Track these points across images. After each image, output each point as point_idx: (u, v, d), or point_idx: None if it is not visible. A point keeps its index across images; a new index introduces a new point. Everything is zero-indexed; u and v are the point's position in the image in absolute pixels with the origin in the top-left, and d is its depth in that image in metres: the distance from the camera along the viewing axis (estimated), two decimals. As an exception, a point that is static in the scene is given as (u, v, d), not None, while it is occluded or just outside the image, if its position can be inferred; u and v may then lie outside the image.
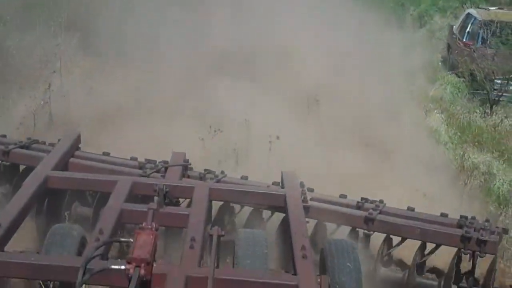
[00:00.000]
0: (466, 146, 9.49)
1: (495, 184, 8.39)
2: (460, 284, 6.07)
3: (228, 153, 8.11)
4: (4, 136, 7.10)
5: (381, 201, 6.29)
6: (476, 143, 9.59)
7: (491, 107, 11.97)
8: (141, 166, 6.49)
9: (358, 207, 6.25)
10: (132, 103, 9.35)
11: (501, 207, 8.04)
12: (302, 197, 6.00)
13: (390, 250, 6.29)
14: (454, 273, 6.04)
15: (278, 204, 6.01)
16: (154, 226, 4.62)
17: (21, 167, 6.79)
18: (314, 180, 6.52)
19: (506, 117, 11.28)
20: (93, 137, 8.01)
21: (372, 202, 6.30)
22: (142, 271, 4.17)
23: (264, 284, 4.54)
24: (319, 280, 4.61)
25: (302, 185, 6.25)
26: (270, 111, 8.88)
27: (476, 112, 11.62)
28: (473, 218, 6.14)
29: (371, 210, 6.09)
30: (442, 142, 9.61)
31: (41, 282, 4.95)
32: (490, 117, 11.47)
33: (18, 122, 8.68)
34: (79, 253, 4.95)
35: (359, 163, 8.18)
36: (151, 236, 4.45)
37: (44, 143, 6.94)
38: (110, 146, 7.30)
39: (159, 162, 6.47)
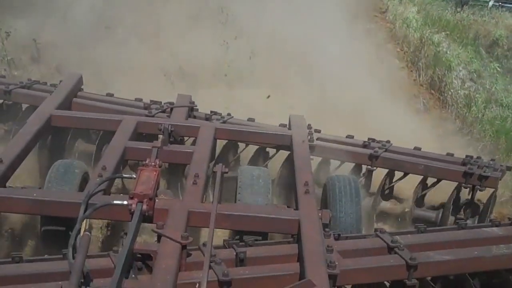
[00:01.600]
0: (428, 29, 11.45)
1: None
2: (458, 215, 6.12)
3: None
4: (3, 76, 7.04)
5: (388, 141, 6.24)
6: (443, 31, 11.64)
7: (462, 6, 13.89)
8: (146, 107, 6.42)
9: (365, 146, 6.23)
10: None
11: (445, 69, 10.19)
12: (309, 137, 5.95)
13: (392, 184, 6.32)
14: (452, 205, 6.09)
15: (284, 143, 5.96)
16: (157, 163, 4.62)
17: (23, 107, 6.73)
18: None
19: (472, 14, 13.33)
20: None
21: (379, 141, 6.25)
22: (145, 206, 4.19)
23: (266, 219, 4.52)
24: (320, 214, 4.59)
25: (309, 126, 6.19)
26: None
27: (448, 10, 13.41)
28: (479, 157, 6.14)
29: (376, 148, 6.08)
30: (411, 27, 11.64)
31: None
32: (459, 14, 13.36)
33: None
34: (81, 189, 4.94)
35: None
36: (154, 173, 4.46)
37: (45, 83, 6.87)
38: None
39: (164, 103, 6.39)
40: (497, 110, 9.39)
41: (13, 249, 5.19)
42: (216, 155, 6.15)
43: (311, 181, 5.00)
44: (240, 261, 4.11)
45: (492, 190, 6.00)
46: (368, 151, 6.09)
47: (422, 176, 6.15)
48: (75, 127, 6.13)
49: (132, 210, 4.17)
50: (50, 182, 4.96)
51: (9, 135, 6.27)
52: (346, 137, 6.41)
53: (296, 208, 4.73)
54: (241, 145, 6.35)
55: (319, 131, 6.32)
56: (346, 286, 4.31)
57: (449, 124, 9.47)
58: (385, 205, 6.30)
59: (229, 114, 6.45)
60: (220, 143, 6.20)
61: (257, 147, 6.29)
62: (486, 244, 4.61)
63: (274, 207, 4.82)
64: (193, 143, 5.97)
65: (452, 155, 6.30)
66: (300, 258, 4.14)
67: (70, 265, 3.75)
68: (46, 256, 3.99)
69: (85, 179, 5.09)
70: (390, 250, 4.40)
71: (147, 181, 4.37)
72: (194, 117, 6.38)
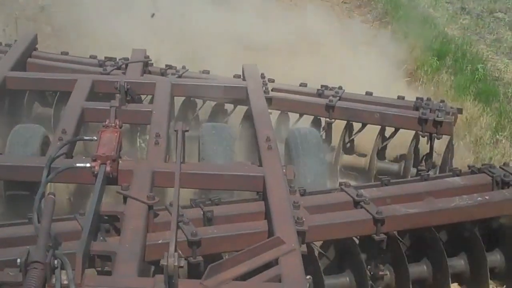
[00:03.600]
0: None
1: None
2: (419, 167, 6.13)
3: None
4: None
5: (340, 87, 6.19)
6: None
7: None
8: (100, 64, 6.26)
9: (319, 94, 6.15)
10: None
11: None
12: (264, 88, 5.89)
13: (352, 137, 6.30)
14: (413, 156, 6.09)
15: (241, 97, 5.88)
16: (117, 123, 4.52)
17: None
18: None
19: None
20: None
21: (332, 89, 6.19)
22: (108, 168, 4.10)
23: (231, 176, 4.47)
24: (284, 170, 4.58)
25: (262, 76, 6.12)
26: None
27: None
28: (428, 99, 6.10)
29: (331, 97, 5.99)
30: None
31: None
32: None
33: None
34: (43, 153, 4.84)
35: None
36: (115, 134, 4.36)
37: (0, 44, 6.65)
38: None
39: (119, 59, 6.24)
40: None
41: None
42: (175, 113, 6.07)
43: (273, 135, 4.95)
44: (208, 220, 4.08)
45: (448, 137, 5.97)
46: (323, 101, 6.00)
47: (379, 127, 6.13)
48: (31, 88, 5.96)
49: (96, 172, 4.08)
50: (11, 147, 4.84)
51: None
52: (300, 85, 6.34)
53: (260, 165, 4.70)
54: (199, 102, 6.28)
55: (272, 81, 6.25)
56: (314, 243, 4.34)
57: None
58: (347, 159, 6.30)
59: (183, 67, 6.33)
60: (177, 100, 6.12)
61: (215, 103, 6.22)
62: (450, 196, 4.61)
63: (238, 164, 4.79)
64: (151, 101, 5.88)
65: (403, 98, 6.25)
66: (267, 216, 4.11)
67: (36, 229, 3.67)
68: (10, 222, 3.90)
69: (45, 143, 4.97)
70: (356, 204, 4.39)
71: (109, 143, 4.26)
72: (149, 72, 6.26)
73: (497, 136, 7.54)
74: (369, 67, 8.45)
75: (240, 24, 9.23)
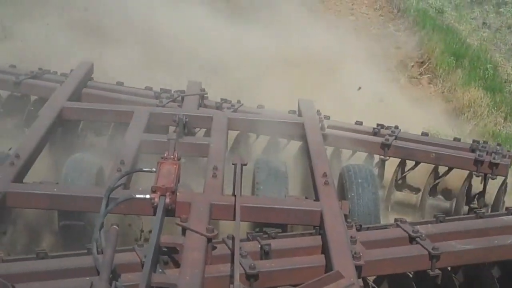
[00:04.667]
0: None
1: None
2: (471, 205, 6.13)
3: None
4: (14, 66, 6.92)
5: (396, 127, 6.23)
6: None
7: None
8: (156, 96, 6.35)
9: (375, 133, 6.21)
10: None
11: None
12: (320, 124, 5.90)
13: (404, 174, 6.32)
14: (465, 195, 6.10)
15: (296, 133, 5.91)
16: (176, 156, 4.56)
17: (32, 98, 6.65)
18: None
19: None
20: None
21: (388, 128, 6.25)
22: (167, 200, 4.13)
23: (289, 211, 4.48)
24: (340, 205, 4.57)
25: (319, 113, 6.14)
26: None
27: None
28: (485, 142, 6.15)
29: (387, 136, 6.06)
30: None
31: None
32: None
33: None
34: (97, 184, 4.90)
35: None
36: (174, 166, 4.40)
37: (56, 73, 6.78)
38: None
39: (174, 92, 6.32)
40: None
41: (29, 245, 5.13)
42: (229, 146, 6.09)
43: (329, 171, 4.96)
44: (265, 254, 4.07)
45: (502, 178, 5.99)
46: (379, 140, 6.06)
47: (433, 165, 6.15)
48: (87, 119, 6.05)
49: (155, 204, 4.11)
50: (66, 177, 4.90)
51: (18, 129, 6.21)
52: (355, 123, 6.38)
53: (316, 199, 4.69)
54: (252, 135, 6.30)
55: (328, 118, 6.28)
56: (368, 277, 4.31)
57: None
58: (399, 195, 6.29)
59: (239, 102, 6.40)
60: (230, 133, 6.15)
61: (269, 137, 6.24)
62: (506, 233, 4.58)
63: (295, 199, 4.78)
64: (206, 134, 5.93)
65: (459, 140, 6.32)
66: (324, 250, 4.11)
67: (95, 260, 3.71)
68: (70, 252, 3.94)
69: (100, 173, 5.03)
70: (412, 240, 4.36)
71: (168, 174, 4.31)
72: (205, 105, 6.33)
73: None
74: (397, 65, 10.50)
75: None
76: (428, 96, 9.92)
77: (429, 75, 10.46)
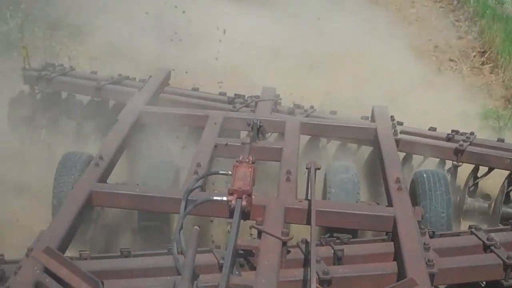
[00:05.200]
0: None
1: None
2: None
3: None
4: (95, 72, 7.21)
5: (471, 133, 6.18)
6: None
7: None
8: (230, 101, 6.50)
9: (448, 139, 6.16)
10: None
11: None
12: (393, 130, 5.92)
13: (477, 180, 6.23)
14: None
15: (368, 138, 5.94)
16: (251, 159, 4.68)
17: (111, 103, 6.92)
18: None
19: None
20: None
21: (463, 134, 6.19)
22: (244, 202, 4.25)
23: (362, 216, 4.52)
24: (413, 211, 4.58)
25: (392, 118, 6.16)
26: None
27: None
28: None
29: (461, 142, 6.01)
30: None
31: None
32: None
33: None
34: (175, 185, 5.07)
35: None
36: (249, 169, 4.51)
37: (134, 79, 7.03)
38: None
39: (248, 97, 6.47)
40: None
41: (110, 243, 5.36)
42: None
43: (402, 177, 4.98)
44: (338, 259, 4.13)
45: None
46: (453, 145, 6.01)
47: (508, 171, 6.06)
48: (164, 123, 6.24)
49: (232, 206, 4.24)
50: (146, 179, 5.10)
51: (98, 132, 6.46)
52: (429, 129, 6.35)
53: (389, 205, 4.72)
54: (323, 140, 6.37)
55: (401, 124, 6.29)
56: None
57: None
58: (471, 202, 6.22)
59: (311, 107, 6.47)
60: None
61: (340, 142, 6.30)
62: None
63: (367, 204, 4.83)
64: (278, 139, 6.04)
65: None
66: (397, 257, 4.13)
67: (175, 260, 3.87)
68: (151, 251, 4.11)
69: (177, 176, 5.20)
70: (486, 248, 4.33)
71: (244, 177, 4.43)
72: (277, 110, 6.43)
73: None
74: (459, 55, 10.93)
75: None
76: (489, 84, 10.05)
77: (490, 65, 10.73)
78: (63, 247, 4.06)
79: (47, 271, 3.70)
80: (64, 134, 6.67)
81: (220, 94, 6.75)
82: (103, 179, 4.87)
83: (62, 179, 5.20)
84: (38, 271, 3.68)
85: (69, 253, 4.18)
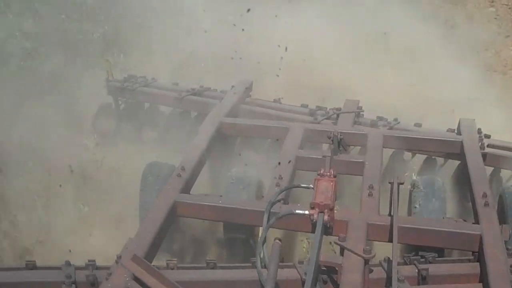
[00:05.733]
0: None
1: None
2: None
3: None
4: (176, 83, 7.38)
5: None
6: None
7: None
8: (311, 113, 6.53)
9: (539, 154, 5.97)
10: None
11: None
12: (480, 143, 5.81)
13: None
14: None
15: (454, 151, 5.84)
16: (332, 173, 4.69)
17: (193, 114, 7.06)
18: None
19: None
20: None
21: None
22: (326, 217, 4.27)
23: (447, 234, 4.46)
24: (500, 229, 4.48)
25: (479, 131, 6.04)
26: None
27: None
28: None
29: None
30: None
31: None
32: None
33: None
34: (257, 197, 5.13)
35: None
36: (331, 183, 4.53)
37: (215, 90, 7.15)
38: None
39: (330, 109, 6.48)
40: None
41: (196, 255, 5.49)
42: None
43: (490, 192, 4.87)
44: (422, 279, 4.09)
45: None
46: None
47: None
48: (244, 134, 6.33)
49: (314, 221, 4.26)
50: (228, 190, 5.18)
51: (180, 143, 6.60)
52: None
53: (475, 222, 4.64)
54: (407, 154, 6.30)
55: (488, 136, 6.15)
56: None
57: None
58: None
59: (395, 119, 6.43)
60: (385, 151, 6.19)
61: (425, 156, 6.22)
62: None
63: (453, 221, 4.75)
64: (360, 152, 6.02)
65: None
66: (483, 278, 4.05)
67: (259, 274, 3.93)
68: (236, 264, 4.20)
69: (259, 188, 5.27)
70: None
71: (325, 191, 4.45)
72: (360, 123, 6.42)
73: None
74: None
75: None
76: None
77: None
78: (149, 255, 4.22)
79: (136, 279, 3.85)
80: (147, 144, 6.85)
81: (302, 106, 6.78)
82: (186, 189, 5.00)
83: (146, 189, 5.34)
84: (127, 279, 3.84)
85: (155, 261, 4.30)
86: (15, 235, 6.26)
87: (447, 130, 6.25)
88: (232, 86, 6.97)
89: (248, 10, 8.14)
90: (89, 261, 4.12)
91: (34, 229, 6.26)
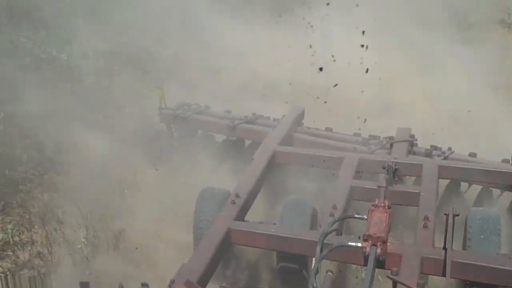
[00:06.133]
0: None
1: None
2: None
3: None
4: (229, 111, 7.49)
5: None
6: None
7: None
8: (365, 143, 6.56)
9: None
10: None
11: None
12: None
13: None
14: None
15: (510, 183, 5.79)
16: (386, 204, 4.69)
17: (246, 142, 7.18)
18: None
19: None
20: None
21: None
22: (379, 250, 4.27)
23: (501, 271, 4.40)
24: None
25: None
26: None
27: None
28: None
29: None
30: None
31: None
32: None
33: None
34: (311, 226, 5.16)
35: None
36: (385, 214, 4.52)
37: (268, 118, 7.23)
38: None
39: (383, 138, 6.50)
40: None
41: (249, 282, 5.53)
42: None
43: None
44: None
45: None
46: None
47: None
48: (298, 164, 6.38)
49: (366, 253, 4.26)
50: (283, 218, 5.23)
51: (234, 170, 6.70)
52: None
53: (533, 259, 4.56)
54: (463, 184, 6.25)
55: None
56: None
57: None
58: None
59: (449, 149, 6.39)
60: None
61: (481, 187, 6.16)
62: None
63: (508, 258, 4.68)
64: (416, 182, 5.99)
65: None
66: None
67: None
68: None
69: (313, 216, 5.30)
70: None
71: (379, 223, 4.44)
72: (414, 152, 6.40)
73: None
74: None
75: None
76: None
77: None
78: (203, 281, 4.32)
79: (189, 304, 3.91)
80: (201, 171, 6.96)
81: (355, 135, 6.81)
82: (240, 216, 5.08)
83: (200, 215, 5.43)
84: (180, 304, 3.91)
85: None
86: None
87: (502, 161, 6.18)
88: (284, 115, 7.05)
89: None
90: (142, 284, 4.20)
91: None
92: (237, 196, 5.25)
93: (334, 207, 5.05)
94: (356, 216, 4.80)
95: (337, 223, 4.75)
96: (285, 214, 5.27)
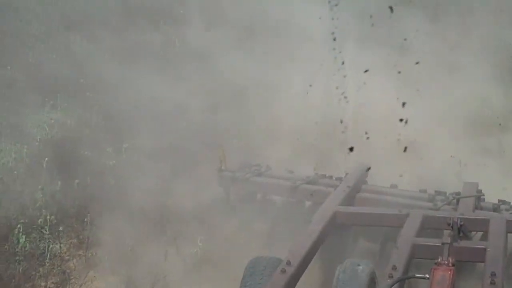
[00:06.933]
0: None
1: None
2: None
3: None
4: (291, 171, 7.41)
5: None
6: None
7: None
8: (430, 199, 6.40)
9: None
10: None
11: None
12: None
13: None
14: None
15: None
16: (450, 261, 4.53)
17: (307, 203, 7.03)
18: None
19: None
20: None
21: None
22: (443, 310, 4.10)
23: None
24: None
25: None
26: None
27: None
28: None
29: None
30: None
31: None
32: None
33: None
34: None
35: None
36: (449, 272, 4.39)
37: (331, 177, 7.14)
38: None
39: (449, 194, 6.35)
40: None
41: None
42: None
43: None
44: None
45: None
46: None
47: None
48: (359, 224, 6.26)
49: (432, 318, 4.11)
50: (339, 283, 5.07)
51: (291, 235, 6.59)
52: None
53: None
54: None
55: None
56: None
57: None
58: None
59: None
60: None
61: None
62: None
63: None
64: (483, 238, 5.79)
65: None
66: None
67: None
68: None
69: (372, 279, 5.14)
70: None
71: (442, 282, 4.31)
72: (481, 207, 6.21)
73: None
74: None
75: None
76: None
77: None
78: None
79: None
80: (257, 236, 6.83)
81: (420, 191, 6.66)
82: (290, 285, 4.88)
83: (246, 285, 5.18)
84: None
85: None
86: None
87: None
88: (346, 174, 6.95)
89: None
90: None
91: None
92: (288, 263, 5.06)
93: (394, 268, 4.89)
94: (418, 276, 4.66)
95: (396, 284, 4.60)
96: (342, 277, 5.11)
